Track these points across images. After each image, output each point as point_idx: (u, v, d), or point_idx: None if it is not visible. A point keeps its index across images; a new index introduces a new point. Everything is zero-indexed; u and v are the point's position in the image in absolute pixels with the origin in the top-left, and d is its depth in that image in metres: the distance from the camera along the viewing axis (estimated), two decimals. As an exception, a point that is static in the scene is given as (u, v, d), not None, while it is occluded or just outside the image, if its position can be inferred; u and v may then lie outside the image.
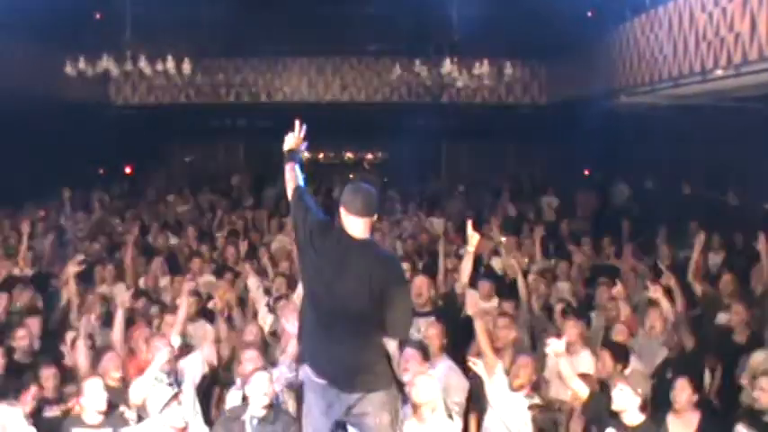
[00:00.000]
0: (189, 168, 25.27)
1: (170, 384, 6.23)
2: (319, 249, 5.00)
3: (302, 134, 5.66)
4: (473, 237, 7.64)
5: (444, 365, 7.11)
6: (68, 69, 15.56)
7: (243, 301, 9.42)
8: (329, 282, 4.92)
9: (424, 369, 6.59)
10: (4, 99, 15.00)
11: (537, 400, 6.56)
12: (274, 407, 6.22)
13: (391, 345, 5.44)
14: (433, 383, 6.20)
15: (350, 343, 4.97)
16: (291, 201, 5.36)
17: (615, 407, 5.97)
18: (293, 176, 5.44)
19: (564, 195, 18.46)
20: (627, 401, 5.92)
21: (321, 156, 26.23)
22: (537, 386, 6.87)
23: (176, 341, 7.14)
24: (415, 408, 6.17)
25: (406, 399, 6.52)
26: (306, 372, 5.20)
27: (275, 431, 6.11)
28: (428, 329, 7.25)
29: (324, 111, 20.80)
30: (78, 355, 7.24)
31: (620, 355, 6.98)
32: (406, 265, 8.43)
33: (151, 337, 7.31)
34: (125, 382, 6.87)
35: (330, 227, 5.11)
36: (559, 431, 6.84)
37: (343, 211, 4.99)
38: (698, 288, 9.21)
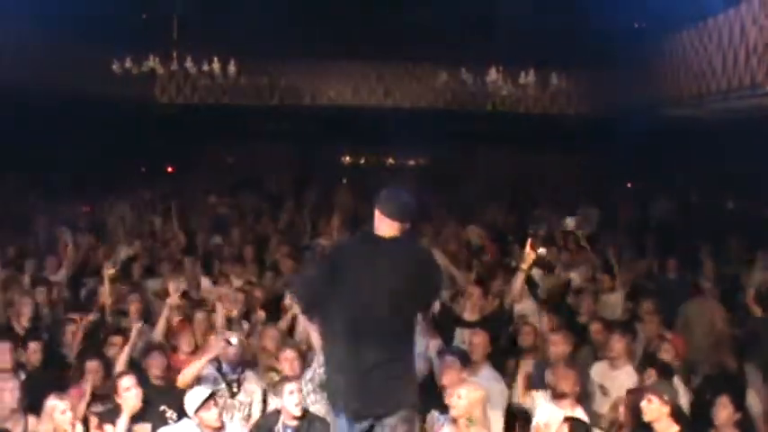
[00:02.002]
0: (231, 170, 25.39)
1: (228, 383, 6.29)
2: (348, 261, 5.03)
3: None
4: (529, 255, 7.62)
5: (487, 374, 7.13)
6: (115, 68, 15.73)
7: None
8: (366, 286, 4.92)
9: (463, 377, 6.57)
10: (50, 96, 15.20)
11: (580, 413, 6.49)
12: (308, 415, 6.15)
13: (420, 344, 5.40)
14: (472, 395, 6.15)
15: (383, 357, 4.95)
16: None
17: (647, 418, 5.92)
18: None
19: (606, 207, 18.30)
20: (656, 411, 5.86)
21: (363, 161, 26.24)
22: (580, 399, 6.80)
23: (235, 340, 7.05)
24: (454, 418, 6.13)
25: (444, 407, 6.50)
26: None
27: None
28: (473, 337, 7.25)
29: (367, 115, 20.82)
30: (120, 355, 7.30)
31: (667, 374, 6.91)
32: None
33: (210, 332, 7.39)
34: (168, 381, 6.91)
35: (350, 240, 5.15)
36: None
37: (377, 211, 5.03)
38: (756, 310, 9.02)
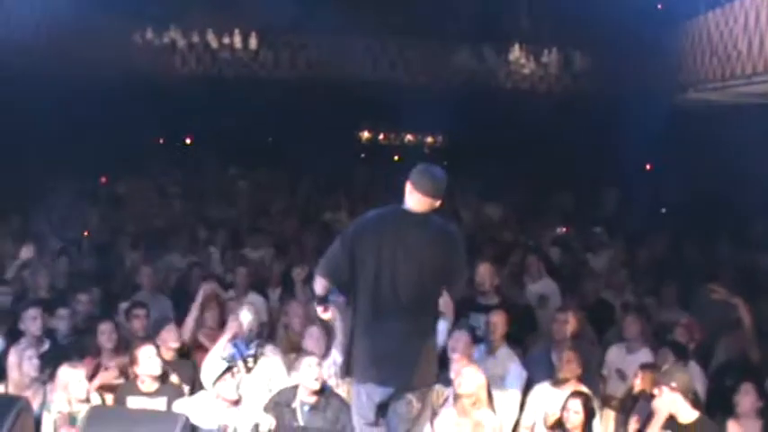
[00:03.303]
0: (249, 143, 25.36)
1: (244, 359, 6.29)
2: (376, 233, 4.99)
3: None
4: None
5: (504, 353, 7.13)
6: (136, 39, 15.71)
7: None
8: (391, 259, 4.91)
9: (471, 353, 6.61)
10: (71, 67, 15.17)
11: (583, 389, 6.49)
12: (325, 392, 6.13)
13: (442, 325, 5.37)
14: (476, 376, 6.11)
15: (406, 330, 4.96)
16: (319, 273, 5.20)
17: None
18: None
19: (625, 189, 18.22)
20: (668, 401, 5.79)
21: (381, 137, 26.14)
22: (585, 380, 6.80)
23: (246, 317, 6.97)
24: (456, 398, 6.11)
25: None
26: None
27: (326, 418, 6.05)
28: (492, 316, 7.22)
29: (387, 92, 20.71)
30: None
31: (681, 354, 6.87)
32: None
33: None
34: (182, 354, 6.92)
35: (379, 213, 5.12)
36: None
37: (409, 186, 4.99)
38: None
